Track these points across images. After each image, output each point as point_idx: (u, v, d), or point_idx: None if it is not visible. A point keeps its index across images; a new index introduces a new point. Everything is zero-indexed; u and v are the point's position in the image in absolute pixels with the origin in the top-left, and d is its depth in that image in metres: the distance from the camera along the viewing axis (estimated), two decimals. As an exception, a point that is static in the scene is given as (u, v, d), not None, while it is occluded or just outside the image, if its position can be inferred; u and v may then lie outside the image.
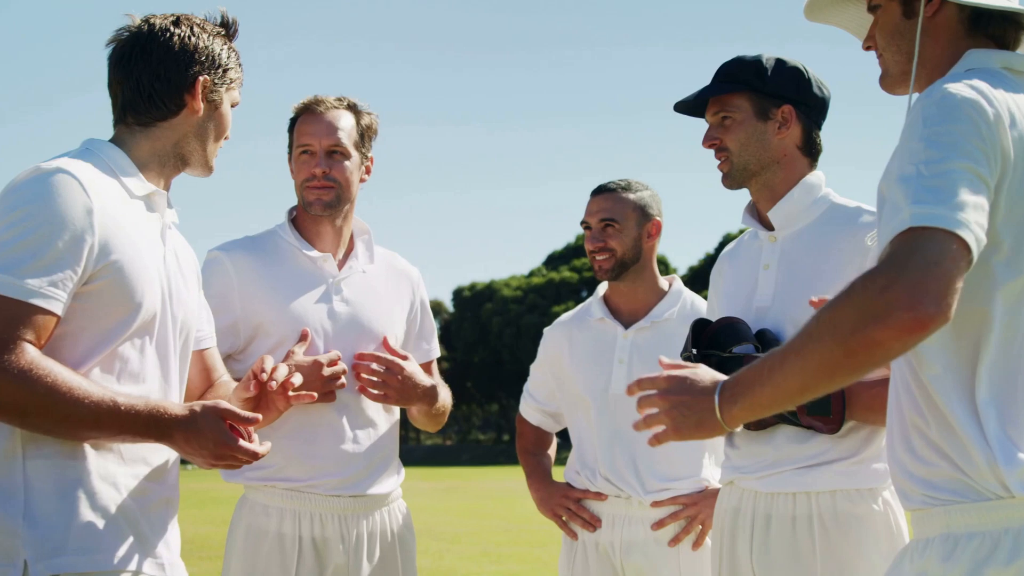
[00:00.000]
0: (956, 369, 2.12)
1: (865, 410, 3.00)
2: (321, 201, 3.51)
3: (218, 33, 2.68)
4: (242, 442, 2.51)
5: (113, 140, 2.63)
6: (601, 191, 3.91)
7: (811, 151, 3.23)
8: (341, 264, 3.60)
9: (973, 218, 1.98)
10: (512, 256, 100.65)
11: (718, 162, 3.22)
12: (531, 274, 60.87)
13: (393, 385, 3.47)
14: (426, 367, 3.75)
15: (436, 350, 3.82)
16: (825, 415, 3.01)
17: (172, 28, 2.62)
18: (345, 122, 3.54)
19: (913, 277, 1.93)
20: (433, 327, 3.82)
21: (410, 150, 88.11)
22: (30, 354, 2.31)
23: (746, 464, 3.17)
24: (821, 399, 2.96)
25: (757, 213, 3.28)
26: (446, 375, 3.65)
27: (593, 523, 3.89)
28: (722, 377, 2.19)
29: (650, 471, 3.84)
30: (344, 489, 3.46)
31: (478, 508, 21.77)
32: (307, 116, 3.56)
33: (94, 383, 2.39)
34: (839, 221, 3.16)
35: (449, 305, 63.45)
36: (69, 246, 2.36)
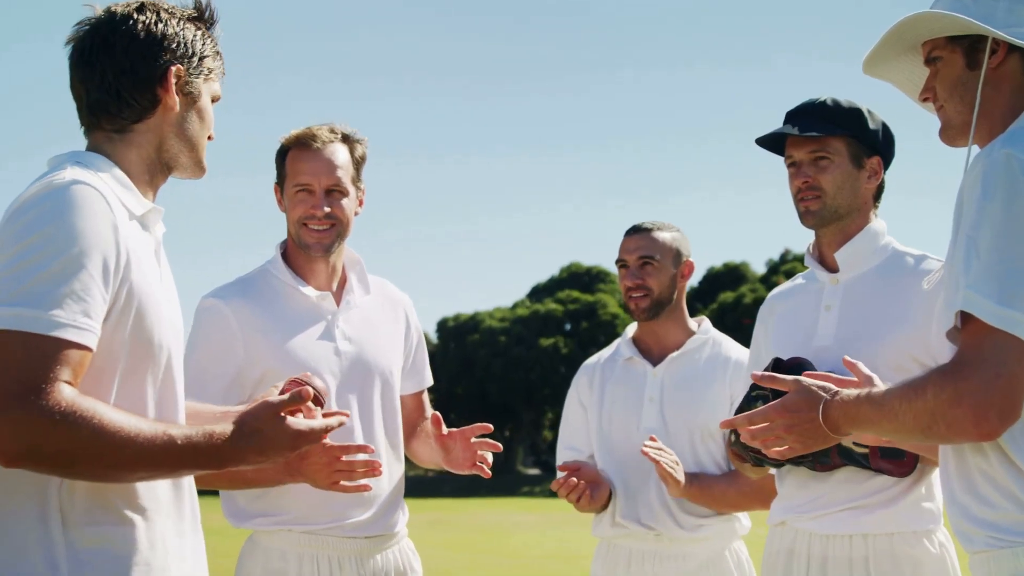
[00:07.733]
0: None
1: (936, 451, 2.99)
2: (322, 244, 3.41)
3: (190, 18, 2.41)
4: (311, 422, 2.30)
5: (93, 150, 2.34)
6: (638, 230, 3.94)
7: (877, 202, 3.29)
8: (338, 299, 3.48)
9: None
10: (495, 288, 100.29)
11: (806, 199, 3.21)
12: (515, 306, 60.71)
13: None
14: (418, 396, 3.73)
15: (429, 378, 3.75)
16: (899, 458, 3.01)
17: (136, 15, 2.34)
18: (342, 157, 3.42)
19: (980, 393, 2.02)
20: (426, 355, 3.77)
21: (392, 181, 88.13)
22: (69, 395, 2.04)
23: (799, 504, 3.16)
24: None
25: (819, 255, 3.30)
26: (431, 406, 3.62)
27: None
28: (823, 397, 2.31)
29: (682, 507, 3.82)
30: (361, 530, 3.39)
31: (468, 542, 21.67)
32: (302, 151, 3.41)
33: (142, 417, 2.14)
34: (905, 268, 3.18)
35: (434, 336, 63.31)
36: (99, 269, 2.10)
